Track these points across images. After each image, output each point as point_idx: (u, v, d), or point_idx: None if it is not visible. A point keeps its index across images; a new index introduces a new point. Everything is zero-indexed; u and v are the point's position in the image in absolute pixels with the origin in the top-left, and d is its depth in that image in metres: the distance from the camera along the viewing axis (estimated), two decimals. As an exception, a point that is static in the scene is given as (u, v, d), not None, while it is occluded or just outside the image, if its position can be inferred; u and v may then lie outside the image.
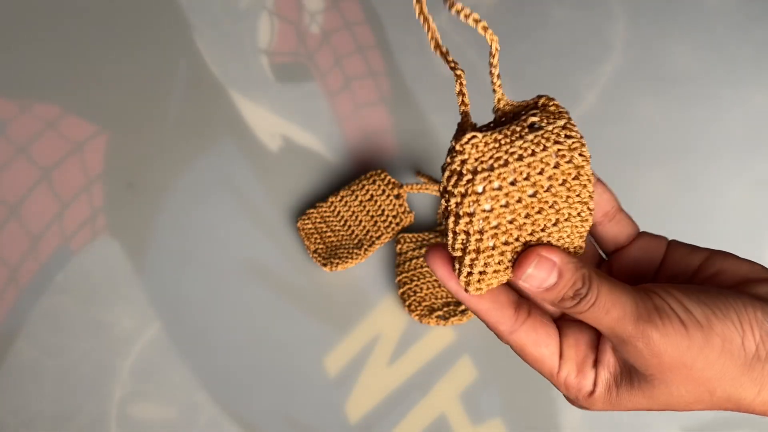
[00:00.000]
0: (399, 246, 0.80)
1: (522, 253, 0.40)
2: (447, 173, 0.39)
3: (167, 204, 0.82)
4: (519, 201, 0.39)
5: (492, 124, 0.40)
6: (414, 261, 0.79)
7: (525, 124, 0.39)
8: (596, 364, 0.43)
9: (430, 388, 0.77)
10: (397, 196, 0.80)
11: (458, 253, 0.40)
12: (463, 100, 0.39)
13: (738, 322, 0.38)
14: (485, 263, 0.40)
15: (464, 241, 0.39)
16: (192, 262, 0.80)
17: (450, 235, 0.39)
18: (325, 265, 0.78)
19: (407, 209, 0.80)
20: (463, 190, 0.38)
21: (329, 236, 0.80)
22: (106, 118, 0.84)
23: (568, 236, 0.41)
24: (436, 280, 0.78)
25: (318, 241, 0.80)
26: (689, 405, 0.41)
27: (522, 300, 0.43)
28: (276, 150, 0.84)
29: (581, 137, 0.39)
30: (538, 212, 0.39)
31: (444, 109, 0.84)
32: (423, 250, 0.79)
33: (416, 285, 0.78)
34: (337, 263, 0.78)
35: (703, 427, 0.76)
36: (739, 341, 0.38)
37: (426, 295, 0.78)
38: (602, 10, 0.89)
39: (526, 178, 0.38)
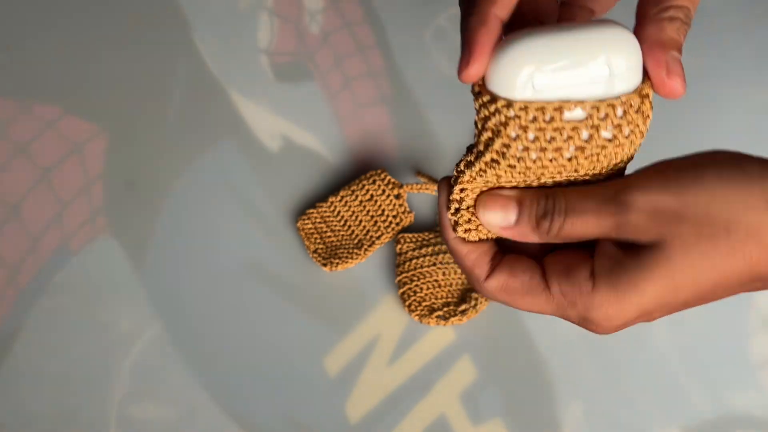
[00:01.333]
0: (399, 246, 0.79)
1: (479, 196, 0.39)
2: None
3: (167, 204, 0.82)
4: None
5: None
6: (414, 261, 0.79)
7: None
8: (590, 259, 0.39)
9: (430, 388, 0.77)
10: (397, 196, 0.80)
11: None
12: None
13: (729, 157, 0.36)
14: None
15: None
16: (192, 262, 0.80)
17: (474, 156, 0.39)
18: (325, 265, 0.78)
19: (407, 209, 0.80)
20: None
21: (329, 236, 0.80)
22: (106, 118, 0.84)
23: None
24: (436, 280, 0.78)
25: (318, 241, 0.79)
26: (713, 263, 0.35)
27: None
28: (276, 150, 0.84)
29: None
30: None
31: (444, 109, 0.84)
32: (423, 250, 0.79)
33: (416, 285, 0.78)
34: (337, 263, 0.78)
35: (702, 426, 0.76)
36: (737, 166, 0.36)
37: (426, 295, 0.78)
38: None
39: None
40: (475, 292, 0.77)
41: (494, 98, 0.37)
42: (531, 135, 0.37)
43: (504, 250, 0.43)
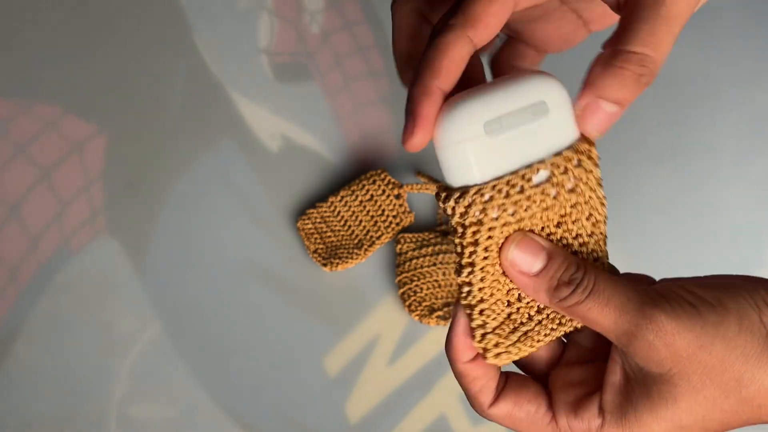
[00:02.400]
0: (399, 246, 0.79)
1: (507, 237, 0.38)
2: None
3: (167, 204, 0.82)
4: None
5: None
6: (414, 261, 0.79)
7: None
8: (598, 392, 0.38)
9: (430, 388, 0.77)
10: (397, 196, 0.80)
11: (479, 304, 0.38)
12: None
13: (751, 300, 0.35)
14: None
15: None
16: (192, 262, 0.80)
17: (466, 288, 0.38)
18: (325, 265, 0.78)
19: (407, 209, 0.80)
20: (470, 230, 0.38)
21: (329, 236, 0.80)
22: (106, 118, 0.84)
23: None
24: (436, 280, 0.78)
25: (318, 241, 0.79)
26: (721, 408, 0.35)
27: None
28: (276, 150, 0.84)
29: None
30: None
31: (444, 109, 0.84)
32: (423, 250, 0.79)
33: (416, 285, 0.78)
34: (337, 263, 0.78)
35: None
36: (757, 318, 0.35)
37: (426, 295, 0.78)
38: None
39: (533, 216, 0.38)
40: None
41: (464, 190, 0.37)
42: (510, 210, 0.37)
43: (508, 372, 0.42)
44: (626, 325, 0.35)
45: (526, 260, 0.37)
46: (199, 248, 0.80)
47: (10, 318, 0.78)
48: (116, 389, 0.76)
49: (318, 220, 0.80)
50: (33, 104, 0.84)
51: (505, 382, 0.40)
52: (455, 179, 0.38)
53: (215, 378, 0.77)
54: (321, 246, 0.79)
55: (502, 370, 0.41)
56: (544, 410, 0.39)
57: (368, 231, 0.80)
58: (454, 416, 0.76)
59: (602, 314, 0.36)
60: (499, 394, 0.39)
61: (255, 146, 0.83)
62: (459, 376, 0.40)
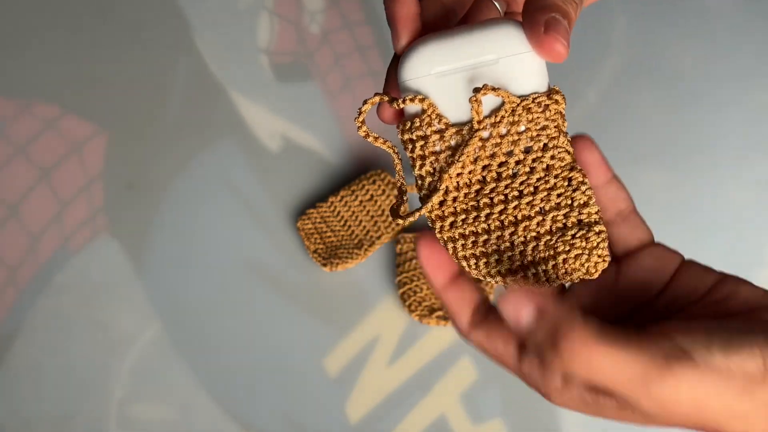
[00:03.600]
0: (399, 246, 0.79)
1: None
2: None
3: (167, 204, 0.81)
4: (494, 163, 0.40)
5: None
6: (414, 261, 0.79)
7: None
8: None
9: (431, 388, 0.77)
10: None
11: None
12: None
13: (755, 351, 0.35)
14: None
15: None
16: (192, 262, 0.80)
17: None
18: (325, 265, 0.78)
19: (407, 209, 0.80)
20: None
21: (329, 236, 0.80)
22: (105, 118, 0.84)
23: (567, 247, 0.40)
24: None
25: (318, 241, 0.79)
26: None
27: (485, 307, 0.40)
28: (276, 150, 0.84)
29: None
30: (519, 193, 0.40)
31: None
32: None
33: (416, 285, 0.78)
34: (337, 263, 0.78)
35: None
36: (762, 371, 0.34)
37: (426, 295, 0.78)
38: (603, 9, 0.88)
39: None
40: None
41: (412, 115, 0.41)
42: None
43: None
44: (643, 387, 0.34)
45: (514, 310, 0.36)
46: (199, 248, 0.80)
47: (10, 318, 0.78)
48: (116, 389, 0.76)
49: (318, 220, 0.80)
50: (32, 104, 0.84)
51: (487, 313, 0.40)
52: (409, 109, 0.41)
53: (215, 378, 0.77)
54: (321, 246, 0.79)
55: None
56: (512, 350, 0.38)
57: (368, 231, 0.80)
58: (454, 416, 0.76)
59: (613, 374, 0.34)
60: (476, 324, 0.40)
61: (255, 146, 0.83)
62: (440, 299, 0.41)
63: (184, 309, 0.78)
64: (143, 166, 0.83)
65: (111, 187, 0.82)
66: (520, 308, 0.35)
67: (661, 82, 0.86)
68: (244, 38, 0.87)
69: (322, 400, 0.76)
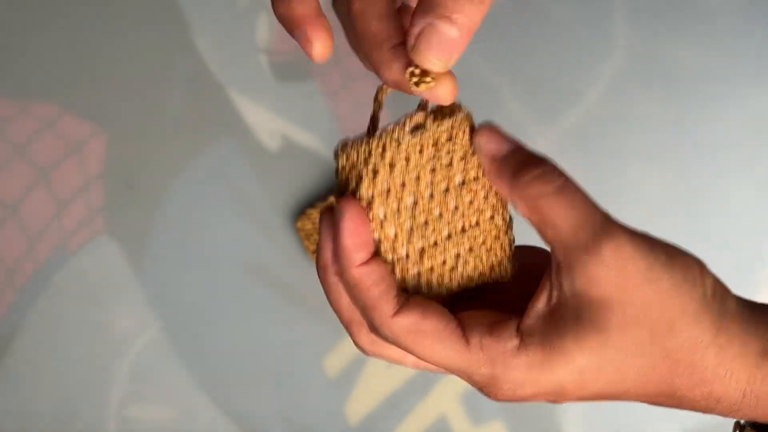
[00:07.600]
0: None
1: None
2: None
3: (166, 204, 0.81)
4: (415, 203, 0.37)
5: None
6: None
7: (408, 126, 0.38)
8: (516, 318, 0.34)
9: (431, 389, 0.76)
10: (397, 196, 0.80)
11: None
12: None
13: (695, 262, 0.33)
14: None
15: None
16: (191, 262, 0.80)
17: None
18: (324, 265, 0.78)
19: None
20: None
21: (329, 236, 0.80)
22: (105, 118, 0.84)
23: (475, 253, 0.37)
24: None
25: (318, 241, 0.79)
26: (643, 353, 0.33)
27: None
28: (276, 150, 0.83)
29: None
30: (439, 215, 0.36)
31: (444, 109, 0.84)
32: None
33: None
34: (337, 263, 0.78)
35: (702, 428, 0.75)
36: (699, 276, 0.33)
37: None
38: (603, 9, 0.88)
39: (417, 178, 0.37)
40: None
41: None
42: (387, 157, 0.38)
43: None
44: (585, 236, 0.32)
45: (493, 145, 0.34)
46: (198, 248, 0.80)
47: (9, 318, 0.78)
48: (115, 390, 0.76)
49: (318, 220, 0.80)
50: (31, 104, 0.84)
51: (408, 298, 0.35)
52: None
53: (214, 378, 0.77)
54: (321, 246, 0.79)
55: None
56: (454, 325, 0.35)
57: (368, 231, 0.80)
58: (454, 416, 0.76)
59: (565, 216, 0.32)
60: (403, 305, 0.35)
61: (254, 146, 0.83)
62: (354, 287, 0.36)
63: (183, 309, 0.78)
64: (142, 167, 0.83)
65: (110, 188, 0.82)
66: (499, 138, 0.34)
67: (661, 82, 0.86)
68: (244, 38, 0.87)
69: (321, 401, 0.76)
